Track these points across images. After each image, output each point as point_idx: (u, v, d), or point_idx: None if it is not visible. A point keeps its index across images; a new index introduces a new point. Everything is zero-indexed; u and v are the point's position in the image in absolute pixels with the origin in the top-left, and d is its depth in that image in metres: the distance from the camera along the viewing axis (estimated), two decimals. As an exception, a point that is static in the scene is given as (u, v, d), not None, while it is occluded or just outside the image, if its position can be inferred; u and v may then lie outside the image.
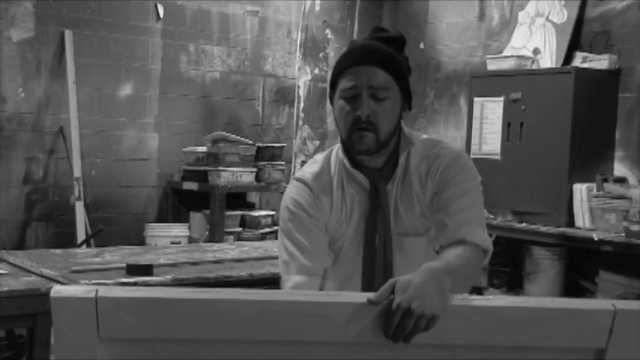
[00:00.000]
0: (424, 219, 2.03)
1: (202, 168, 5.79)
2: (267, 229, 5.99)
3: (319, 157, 2.13)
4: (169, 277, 3.17)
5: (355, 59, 1.95)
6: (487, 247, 1.92)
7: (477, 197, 2.01)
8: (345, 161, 2.04)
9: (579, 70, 5.01)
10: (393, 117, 1.97)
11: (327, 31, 6.71)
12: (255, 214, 6.02)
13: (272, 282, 3.34)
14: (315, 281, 1.97)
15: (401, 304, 1.45)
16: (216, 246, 4.27)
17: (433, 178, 1.99)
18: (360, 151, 1.96)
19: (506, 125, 5.29)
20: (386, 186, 2.01)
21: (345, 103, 1.95)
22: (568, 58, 5.27)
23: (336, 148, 2.10)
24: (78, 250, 4.19)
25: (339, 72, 1.98)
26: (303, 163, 6.36)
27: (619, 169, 5.12)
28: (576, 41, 5.34)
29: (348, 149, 2.01)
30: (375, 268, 2.02)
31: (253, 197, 6.37)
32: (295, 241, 2.01)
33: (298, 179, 2.08)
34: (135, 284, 2.94)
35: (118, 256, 3.54)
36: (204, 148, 5.83)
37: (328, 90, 2.07)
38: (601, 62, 5.06)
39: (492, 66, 5.53)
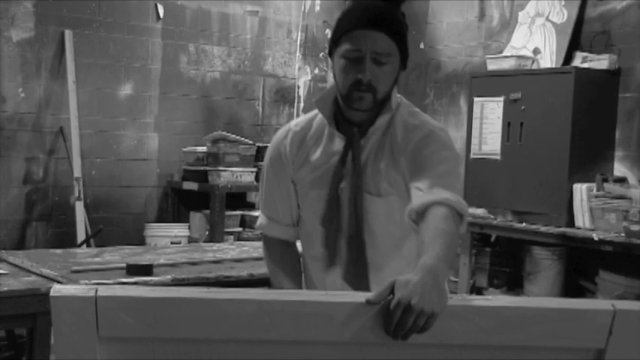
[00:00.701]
0: (388, 183, 2.04)
1: (202, 168, 5.79)
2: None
3: (314, 111, 2.19)
4: (169, 277, 3.17)
5: (360, 22, 1.96)
6: (462, 210, 1.85)
7: (452, 167, 1.99)
8: (326, 113, 2.09)
9: (579, 70, 5.01)
10: (391, 80, 2.02)
11: (327, 31, 6.71)
12: (255, 214, 6.02)
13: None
14: (275, 226, 2.23)
15: (401, 300, 1.45)
16: (216, 246, 4.27)
17: (406, 147, 2.01)
18: (358, 109, 2.00)
19: (506, 125, 5.29)
20: (360, 140, 2.05)
21: (347, 63, 1.97)
22: (568, 58, 5.27)
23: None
24: (78, 250, 4.19)
25: (343, 31, 2.00)
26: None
27: (619, 169, 5.12)
28: (576, 41, 5.33)
29: (344, 103, 2.03)
30: (340, 221, 2.06)
31: (253, 197, 6.37)
32: (268, 187, 2.26)
33: (286, 127, 2.22)
34: (135, 284, 2.94)
35: (118, 256, 3.54)
36: (204, 148, 5.83)
37: (329, 43, 2.09)
38: (601, 62, 5.06)
39: (492, 66, 5.53)
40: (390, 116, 2.07)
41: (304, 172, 2.13)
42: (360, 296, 1.48)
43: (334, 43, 2.03)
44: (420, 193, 1.88)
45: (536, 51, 5.47)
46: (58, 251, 3.73)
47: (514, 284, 5.46)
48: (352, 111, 2.02)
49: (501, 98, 5.31)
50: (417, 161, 1.97)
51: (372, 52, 1.95)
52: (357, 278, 2.09)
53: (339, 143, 2.09)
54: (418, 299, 1.45)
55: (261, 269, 3.46)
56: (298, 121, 2.23)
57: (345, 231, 2.06)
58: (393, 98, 2.06)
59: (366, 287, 2.05)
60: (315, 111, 2.17)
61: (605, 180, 4.86)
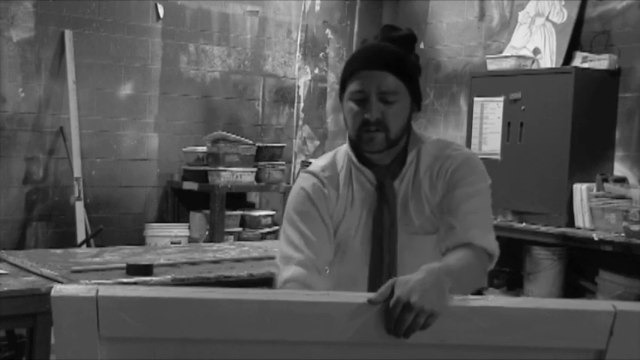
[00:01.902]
0: (433, 218, 2.01)
1: (202, 168, 5.79)
2: (267, 229, 5.99)
3: (329, 153, 2.13)
4: (169, 277, 3.17)
5: (365, 63, 1.94)
6: (493, 251, 1.94)
7: (485, 200, 2.03)
8: (353, 157, 2.03)
9: (579, 70, 5.01)
10: (403, 118, 1.96)
11: (327, 31, 6.71)
12: (255, 214, 6.02)
13: (272, 282, 3.34)
14: (314, 276, 1.93)
15: (400, 297, 1.46)
16: (216, 246, 4.28)
17: (443, 179, 1.99)
18: (370, 150, 1.96)
19: (506, 125, 5.29)
20: (393, 182, 2.00)
21: (355, 104, 1.94)
22: (568, 58, 5.27)
23: (345, 145, 2.09)
24: (78, 250, 4.19)
25: (349, 73, 1.97)
26: (303, 162, 6.37)
27: (619, 169, 5.12)
28: (576, 41, 5.33)
29: (357, 147, 2.00)
30: (383, 264, 2.01)
31: (253, 197, 6.37)
32: (301, 232, 1.98)
33: (308, 171, 2.08)
34: (135, 284, 2.94)
35: (117, 256, 3.54)
36: (204, 148, 5.83)
37: (338, 88, 2.05)
38: (601, 62, 5.06)
39: (492, 66, 5.53)
40: (417, 152, 2.03)
41: (338, 218, 2.03)
42: (361, 296, 1.48)
43: (342, 87, 2.00)
44: (453, 232, 1.92)
45: (536, 51, 5.47)
46: (58, 251, 3.73)
47: (514, 284, 5.46)
48: (368, 154, 1.98)
49: (501, 98, 5.32)
50: (451, 191, 1.97)
51: (378, 91, 1.91)
52: None
53: (370, 188, 2.03)
54: (418, 297, 1.45)
55: (261, 269, 3.46)
56: (321, 165, 2.09)
57: (387, 277, 1.90)
58: (412, 135, 2.03)
59: None
60: (330, 157, 2.10)
61: (605, 180, 4.86)
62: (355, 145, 2.01)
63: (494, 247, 1.94)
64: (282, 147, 6.12)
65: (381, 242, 2.01)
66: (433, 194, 2.01)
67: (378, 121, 1.91)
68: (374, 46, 1.98)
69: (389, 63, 1.92)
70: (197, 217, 5.86)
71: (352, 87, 1.94)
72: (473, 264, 1.84)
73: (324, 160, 2.11)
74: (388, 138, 1.93)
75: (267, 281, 3.35)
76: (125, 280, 3.05)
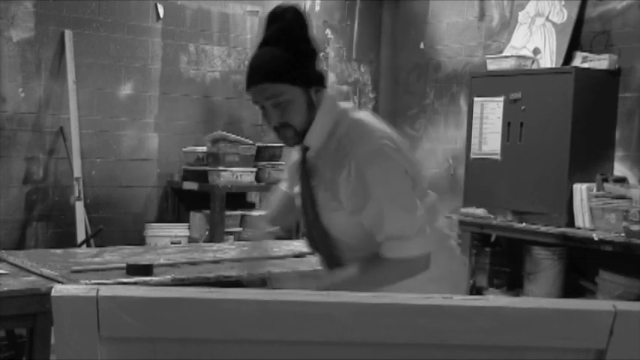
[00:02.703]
0: (334, 201, 2.20)
1: (202, 168, 5.79)
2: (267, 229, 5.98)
3: None
4: (169, 277, 3.17)
5: (249, 80, 2.16)
6: (406, 255, 2.13)
7: (394, 203, 2.13)
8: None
9: (579, 70, 5.01)
10: (300, 110, 2.16)
11: (327, 31, 6.71)
12: (255, 214, 6.02)
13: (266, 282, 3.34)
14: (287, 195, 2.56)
15: None
16: (216, 246, 4.28)
17: (347, 180, 2.14)
18: (290, 145, 2.27)
19: (506, 125, 5.29)
20: (306, 154, 2.26)
21: (261, 112, 2.21)
22: (568, 58, 5.27)
23: None
24: (78, 250, 4.19)
25: (246, 87, 2.20)
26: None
27: (619, 169, 5.12)
28: (576, 41, 5.34)
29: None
30: (308, 217, 2.33)
31: (253, 197, 6.37)
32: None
33: None
34: (135, 284, 2.94)
35: (117, 256, 3.54)
36: (204, 148, 5.83)
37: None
38: (601, 62, 5.07)
39: (492, 66, 5.53)
40: (333, 127, 2.21)
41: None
42: (361, 297, 1.48)
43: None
44: (377, 242, 2.15)
45: (536, 51, 5.47)
46: (58, 251, 3.73)
47: (514, 284, 5.46)
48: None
49: (501, 98, 5.32)
50: (360, 203, 2.14)
51: (268, 100, 2.13)
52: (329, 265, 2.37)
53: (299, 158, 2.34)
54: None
55: (261, 269, 3.45)
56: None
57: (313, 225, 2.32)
58: (324, 112, 2.20)
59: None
60: None
61: (605, 180, 4.86)
62: None
63: (406, 252, 2.12)
64: (282, 147, 6.10)
65: (305, 202, 2.30)
66: (333, 183, 2.18)
67: (280, 124, 2.16)
68: (252, 61, 2.18)
69: (266, 74, 2.11)
70: (197, 217, 5.86)
71: (253, 100, 2.19)
72: (375, 275, 2.15)
73: None
74: (296, 131, 2.18)
75: (267, 281, 3.35)
76: (125, 280, 3.05)
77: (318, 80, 2.19)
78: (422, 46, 6.54)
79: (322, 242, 2.32)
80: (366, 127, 2.19)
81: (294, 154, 2.39)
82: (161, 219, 5.91)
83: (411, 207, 2.15)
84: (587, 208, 4.84)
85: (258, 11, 6.33)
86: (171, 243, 5.37)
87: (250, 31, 6.31)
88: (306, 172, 2.26)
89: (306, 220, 2.32)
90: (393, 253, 2.13)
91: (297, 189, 2.38)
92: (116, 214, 5.73)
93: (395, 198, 2.13)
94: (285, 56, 2.12)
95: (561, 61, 5.28)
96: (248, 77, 2.16)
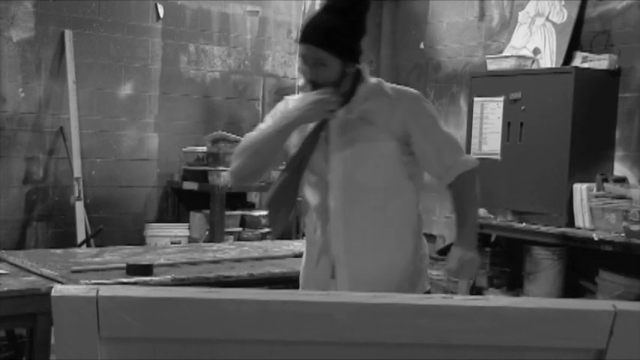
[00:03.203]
0: (360, 136, 2.53)
1: (202, 168, 5.79)
2: (267, 229, 5.99)
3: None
4: (169, 277, 3.17)
5: (303, 38, 2.51)
6: (473, 165, 2.59)
7: (445, 130, 2.60)
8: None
9: (579, 70, 5.01)
10: (332, 76, 2.50)
11: (327, 31, 6.70)
12: (255, 214, 6.02)
13: (272, 282, 3.34)
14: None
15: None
16: (216, 246, 4.28)
17: (409, 114, 2.53)
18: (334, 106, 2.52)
19: (506, 125, 5.29)
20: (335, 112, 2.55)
21: (301, 63, 2.56)
22: (568, 58, 5.27)
23: None
24: (78, 250, 4.19)
25: (298, 41, 2.57)
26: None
27: (619, 169, 5.12)
28: (576, 41, 5.34)
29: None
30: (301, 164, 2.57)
31: (253, 197, 6.37)
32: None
33: (284, 99, 2.76)
34: (135, 284, 2.94)
35: (117, 256, 3.54)
36: (204, 148, 5.83)
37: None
38: (601, 62, 5.06)
39: (492, 66, 5.53)
40: (362, 95, 2.57)
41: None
42: (361, 297, 1.48)
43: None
44: (443, 175, 2.56)
45: (536, 51, 5.47)
46: (58, 251, 3.73)
47: (514, 284, 5.46)
48: None
49: (501, 98, 5.32)
50: (415, 136, 2.53)
51: (312, 57, 2.50)
52: (324, 219, 2.57)
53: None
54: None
55: (261, 269, 3.46)
56: (293, 96, 2.80)
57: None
58: (361, 83, 2.58)
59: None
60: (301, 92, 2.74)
61: (605, 180, 4.86)
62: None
63: (470, 163, 2.59)
64: (282, 147, 6.12)
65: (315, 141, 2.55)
66: (385, 122, 2.51)
67: (312, 81, 2.52)
68: (311, 23, 2.54)
69: (319, 40, 2.47)
70: (197, 217, 5.86)
71: (298, 51, 2.64)
72: (472, 205, 2.62)
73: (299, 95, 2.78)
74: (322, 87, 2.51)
75: (267, 281, 3.36)
76: (125, 280, 3.05)
77: (357, 57, 2.56)
78: (422, 46, 6.54)
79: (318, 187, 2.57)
80: (403, 87, 2.67)
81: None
82: (161, 219, 5.91)
83: (456, 137, 2.68)
84: (587, 208, 4.84)
85: (258, 11, 6.33)
86: (171, 243, 5.37)
87: (250, 31, 6.31)
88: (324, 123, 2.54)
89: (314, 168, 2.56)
90: (464, 167, 2.56)
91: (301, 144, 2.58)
92: (116, 214, 5.73)
93: (447, 131, 2.62)
94: (342, 30, 2.50)
95: (561, 61, 5.27)
96: (304, 34, 2.51)
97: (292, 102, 2.65)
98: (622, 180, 4.93)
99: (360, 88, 2.56)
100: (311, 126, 2.55)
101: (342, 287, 2.51)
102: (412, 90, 2.63)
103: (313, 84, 2.52)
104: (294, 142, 2.59)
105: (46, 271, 3.08)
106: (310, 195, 2.59)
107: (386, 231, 2.54)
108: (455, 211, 2.61)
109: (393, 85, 2.63)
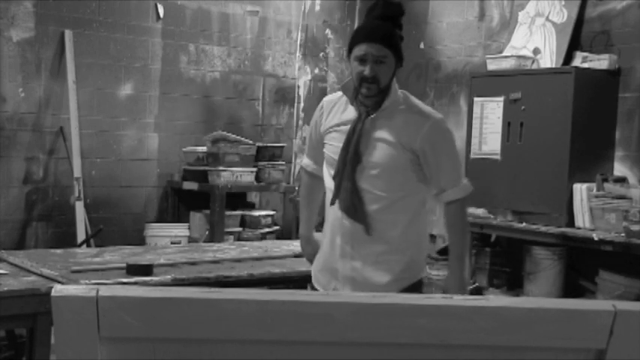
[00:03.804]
0: (396, 147, 2.82)
1: (202, 168, 5.79)
2: (267, 229, 5.99)
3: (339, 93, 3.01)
4: (169, 277, 3.17)
5: (365, 37, 2.80)
6: (467, 193, 2.91)
7: (455, 155, 2.94)
8: (349, 95, 2.89)
9: (579, 70, 5.01)
10: (389, 74, 2.83)
11: (327, 31, 6.71)
12: (255, 214, 6.02)
13: (272, 282, 3.34)
14: (314, 165, 3.15)
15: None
16: (216, 246, 4.28)
17: (421, 135, 2.81)
18: (365, 95, 2.81)
19: (506, 125, 5.29)
20: (368, 115, 2.84)
21: (358, 63, 2.80)
22: (568, 58, 5.27)
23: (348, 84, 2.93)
24: (78, 250, 4.20)
25: (356, 41, 2.83)
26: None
27: (619, 169, 5.12)
28: (576, 41, 5.33)
29: (357, 91, 2.83)
30: (345, 170, 2.85)
31: (253, 197, 6.37)
32: (309, 139, 3.16)
33: (322, 101, 3.10)
34: (135, 284, 2.94)
35: (117, 256, 3.54)
36: (204, 148, 5.83)
37: (346, 51, 2.97)
38: (601, 62, 5.06)
39: (492, 66, 5.53)
40: (394, 101, 2.86)
41: (331, 129, 2.94)
42: (361, 297, 1.48)
43: (350, 50, 2.86)
44: (443, 192, 2.89)
45: (536, 51, 5.47)
46: (58, 251, 3.73)
47: (514, 284, 5.46)
48: (362, 97, 2.84)
49: (501, 98, 5.32)
50: (434, 157, 2.83)
51: (373, 55, 2.77)
52: (354, 210, 2.83)
53: (352, 114, 2.88)
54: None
55: (261, 269, 3.46)
56: (330, 97, 3.09)
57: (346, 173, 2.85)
58: (393, 88, 2.87)
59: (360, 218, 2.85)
60: (340, 93, 2.97)
61: (605, 180, 4.86)
62: (356, 91, 2.84)
63: (465, 191, 2.90)
64: (282, 147, 6.12)
65: (350, 141, 2.84)
66: (406, 134, 2.82)
67: (372, 77, 2.77)
68: (372, 25, 2.83)
69: (382, 38, 2.78)
70: (197, 217, 5.86)
71: (356, 52, 2.80)
72: (464, 231, 2.96)
73: (334, 94, 3.07)
74: (379, 88, 2.80)
75: (267, 281, 3.36)
76: (125, 280, 3.05)
77: (402, 61, 2.89)
78: (422, 46, 6.54)
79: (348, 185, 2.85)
80: (429, 108, 3.00)
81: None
82: (161, 219, 5.91)
83: (458, 155, 3.01)
84: (587, 208, 4.84)
85: (258, 11, 6.33)
86: (171, 243, 5.37)
87: (250, 31, 6.31)
88: (363, 124, 2.83)
89: (341, 170, 2.84)
90: (457, 194, 2.88)
91: (336, 142, 2.90)
92: (116, 214, 5.73)
93: (457, 156, 2.96)
94: (396, 33, 2.84)
95: (561, 61, 5.27)
96: (368, 35, 2.79)
97: (327, 103, 3.01)
98: (622, 180, 4.92)
99: (391, 95, 2.86)
100: (347, 126, 2.87)
101: (344, 270, 2.86)
102: (436, 114, 2.94)
103: (373, 81, 2.77)
104: (330, 140, 2.95)
105: (46, 271, 3.08)
106: (329, 180, 2.91)
107: (393, 219, 2.86)
108: (447, 238, 2.98)
109: (419, 102, 2.97)
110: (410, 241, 2.88)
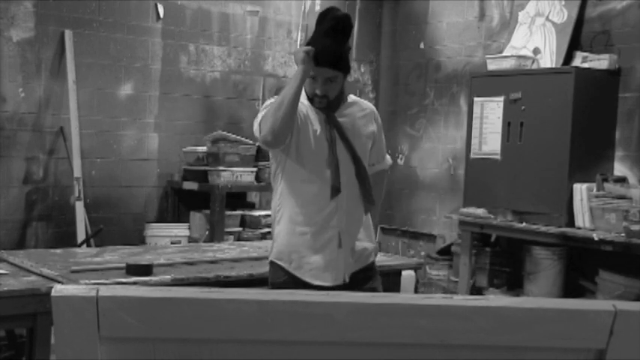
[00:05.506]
0: (364, 136, 3.22)
1: (202, 168, 5.79)
2: (267, 229, 5.98)
3: None
4: (169, 277, 3.17)
5: (319, 61, 3.03)
6: (390, 164, 3.51)
7: (383, 138, 3.39)
8: (307, 102, 3.17)
9: (579, 70, 5.01)
10: (339, 87, 3.11)
11: (327, 31, 6.70)
12: (255, 214, 6.02)
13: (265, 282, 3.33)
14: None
15: None
16: (215, 246, 4.28)
17: (375, 123, 3.27)
18: (317, 107, 3.11)
19: (506, 125, 5.29)
20: (334, 114, 3.18)
21: (311, 80, 3.08)
22: (568, 58, 5.27)
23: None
24: (78, 250, 4.20)
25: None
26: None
27: (619, 169, 5.12)
28: (576, 41, 5.34)
29: (309, 101, 3.15)
30: (331, 157, 3.13)
31: (253, 197, 6.37)
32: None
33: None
34: (135, 284, 2.94)
35: (117, 256, 3.54)
36: (204, 148, 5.83)
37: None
38: (601, 62, 5.07)
39: (492, 66, 5.53)
40: (346, 100, 3.21)
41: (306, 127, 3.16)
42: (361, 297, 1.48)
43: None
44: (377, 164, 3.35)
45: (536, 51, 5.47)
46: (58, 251, 3.73)
47: (514, 284, 5.46)
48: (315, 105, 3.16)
49: (501, 98, 5.32)
50: (379, 136, 3.30)
51: (323, 77, 3.05)
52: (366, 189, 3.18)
53: (319, 118, 3.14)
54: None
55: (261, 269, 3.46)
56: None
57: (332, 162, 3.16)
58: (345, 92, 3.20)
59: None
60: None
61: (605, 180, 4.86)
62: (308, 100, 3.15)
63: (389, 162, 3.47)
64: (282, 147, 6.11)
65: (332, 145, 3.14)
66: (364, 121, 3.23)
67: (322, 95, 3.07)
68: (322, 47, 3.06)
69: (331, 63, 3.04)
70: (197, 217, 5.86)
71: (313, 73, 3.04)
72: (382, 192, 3.46)
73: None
74: (328, 101, 3.10)
75: (267, 281, 3.35)
76: (125, 280, 3.05)
77: (350, 70, 3.15)
78: (422, 46, 6.54)
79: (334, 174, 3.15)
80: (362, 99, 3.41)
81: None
82: (161, 219, 5.91)
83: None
84: (587, 208, 4.84)
85: (258, 11, 6.33)
86: (171, 243, 5.37)
87: (250, 31, 6.31)
88: (333, 122, 3.14)
89: (330, 149, 3.12)
90: (385, 165, 3.41)
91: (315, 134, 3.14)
92: (116, 214, 5.73)
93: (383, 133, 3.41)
94: (344, 52, 3.10)
95: (561, 61, 5.28)
96: (320, 59, 3.02)
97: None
98: (622, 180, 4.93)
99: (344, 97, 3.19)
100: (317, 125, 3.14)
101: (345, 254, 3.08)
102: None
103: (323, 97, 3.08)
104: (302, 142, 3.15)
105: (46, 271, 3.08)
106: (316, 177, 3.10)
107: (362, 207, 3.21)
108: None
109: (359, 98, 3.40)
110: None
